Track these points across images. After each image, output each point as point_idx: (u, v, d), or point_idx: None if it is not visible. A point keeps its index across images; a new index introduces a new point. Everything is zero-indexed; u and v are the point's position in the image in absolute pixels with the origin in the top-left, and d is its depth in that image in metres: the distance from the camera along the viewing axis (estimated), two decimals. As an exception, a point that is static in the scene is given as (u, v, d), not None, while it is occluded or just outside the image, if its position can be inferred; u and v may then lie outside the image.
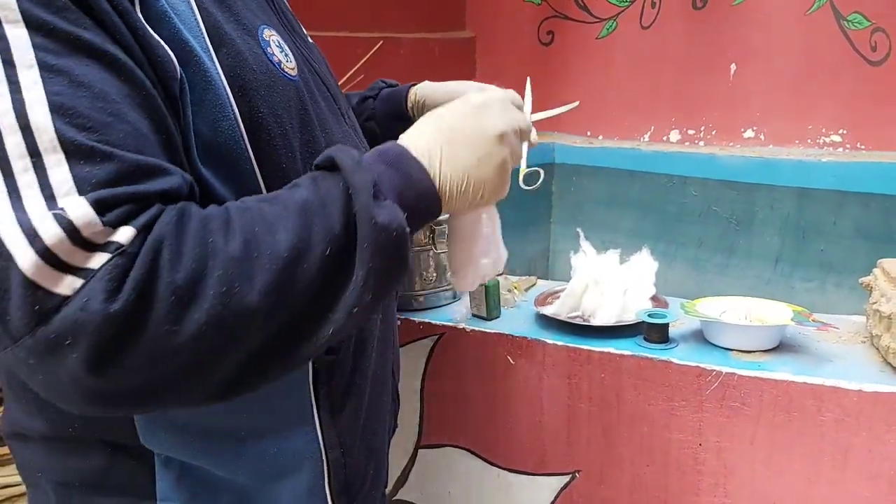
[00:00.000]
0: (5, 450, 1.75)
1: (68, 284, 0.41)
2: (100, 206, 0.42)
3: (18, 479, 1.64)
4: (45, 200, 0.42)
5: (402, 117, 0.90)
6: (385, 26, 2.42)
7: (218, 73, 0.54)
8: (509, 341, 1.15)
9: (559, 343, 1.10)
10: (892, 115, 1.86)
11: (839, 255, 1.94)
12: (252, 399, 0.61)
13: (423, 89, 0.90)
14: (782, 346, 1.03)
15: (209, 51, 0.54)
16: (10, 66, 0.43)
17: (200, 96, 0.53)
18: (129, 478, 0.62)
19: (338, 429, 0.67)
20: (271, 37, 0.61)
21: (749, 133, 2.12)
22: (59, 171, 0.42)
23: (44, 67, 0.43)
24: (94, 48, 0.45)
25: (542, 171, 0.78)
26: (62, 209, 0.42)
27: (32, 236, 0.41)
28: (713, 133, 2.19)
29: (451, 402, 1.23)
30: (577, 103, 0.89)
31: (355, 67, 2.25)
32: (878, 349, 0.98)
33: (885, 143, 1.87)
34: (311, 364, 0.64)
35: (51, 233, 0.41)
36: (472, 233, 0.71)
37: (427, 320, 1.22)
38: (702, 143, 2.20)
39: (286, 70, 0.61)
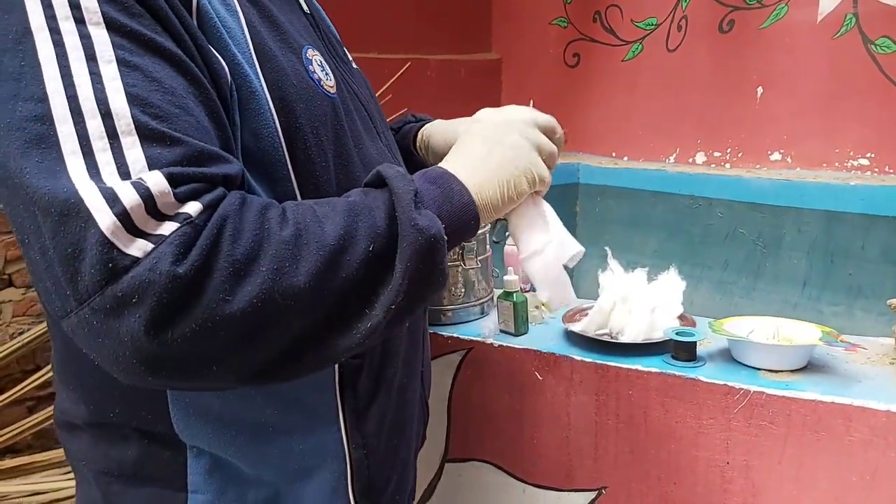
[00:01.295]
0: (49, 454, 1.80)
1: (140, 247, 0.45)
2: (172, 181, 0.47)
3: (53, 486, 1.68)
4: (121, 176, 0.46)
5: (409, 153, 0.93)
6: (413, 48, 2.47)
7: (261, 85, 0.58)
8: (537, 357, 1.16)
9: (587, 359, 1.12)
10: (920, 139, 1.86)
11: (867, 279, 1.92)
12: (282, 395, 0.65)
13: (429, 128, 0.92)
14: (810, 366, 1.04)
15: (254, 65, 0.58)
16: (92, 60, 0.48)
17: (245, 106, 0.57)
18: (163, 469, 0.65)
19: (362, 431, 0.69)
20: (314, 56, 0.66)
21: (776, 156, 2.12)
22: (134, 151, 0.47)
23: (122, 63, 0.48)
24: (165, 50, 0.51)
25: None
26: (141, 178, 0.46)
27: (112, 200, 0.45)
28: (739, 155, 2.19)
29: (478, 417, 1.24)
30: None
31: (384, 87, 2.30)
32: (907, 371, 0.98)
33: (914, 167, 1.87)
34: (337, 366, 0.67)
35: (130, 198, 0.45)
36: (527, 234, 0.71)
37: (455, 335, 1.24)
38: (728, 166, 2.21)
39: (325, 87, 0.65)
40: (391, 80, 2.35)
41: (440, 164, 0.65)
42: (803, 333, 1.06)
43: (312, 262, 0.50)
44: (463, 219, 0.61)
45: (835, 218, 1.97)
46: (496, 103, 2.75)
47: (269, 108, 0.58)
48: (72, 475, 1.73)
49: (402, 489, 0.78)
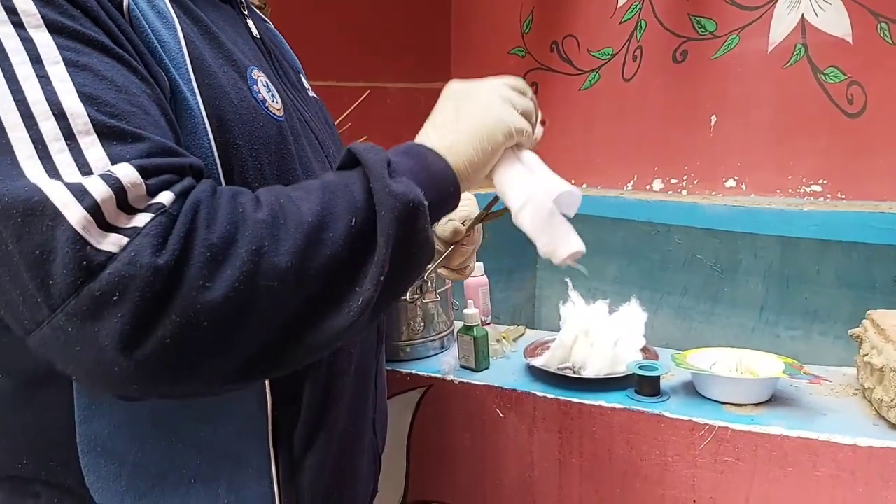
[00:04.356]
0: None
1: (114, 242, 0.42)
2: (143, 172, 0.45)
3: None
4: (83, 174, 0.43)
5: None
6: (372, 76, 2.45)
7: (197, 102, 0.55)
8: (498, 394, 1.13)
9: (549, 396, 1.08)
10: (870, 166, 1.89)
11: (823, 303, 1.94)
12: (208, 442, 0.60)
13: None
14: (774, 399, 1.02)
15: (191, 81, 0.55)
16: (38, 63, 0.45)
17: (178, 121, 0.54)
18: None
19: (296, 484, 0.64)
20: (259, 77, 0.63)
21: (731, 182, 2.15)
22: (95, 150, 0.44)
23: (69, 63, 0.46)
24: (112, 49, 0.49)
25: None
26: (110, 170, 0.44)
27: (81, 194, 0.42)
28: (695, 182, 2.21)
29: (438, 457, 1.20)
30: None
31: (342, 116, 2.27)
32: (870, 402, 0.97)
33: (865, 193, 1.90)
34: (270, 411, 0.62)
35: (100, 190, 0.42)
36: (517, 186, 0.65)
37: (414, 371, 1.20)
38: (684, 192, 2.23)
39: (271, 109, 0.62)
40: (350, 109, 2.32)
41: (422, 133, 0.63)
42: (766, 365, 1.05)
43: (293, 240, 0.48)
44: (442, 184, 0.58)
45: (789, 244, 2.00)
46: (454, 132, 2.67)
47: (205, 127, 0.55)
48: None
49: None
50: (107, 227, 0.42)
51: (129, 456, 0.58)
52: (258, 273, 0.46)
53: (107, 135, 0.45)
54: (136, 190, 0.44)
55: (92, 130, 0.45)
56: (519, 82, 0.69)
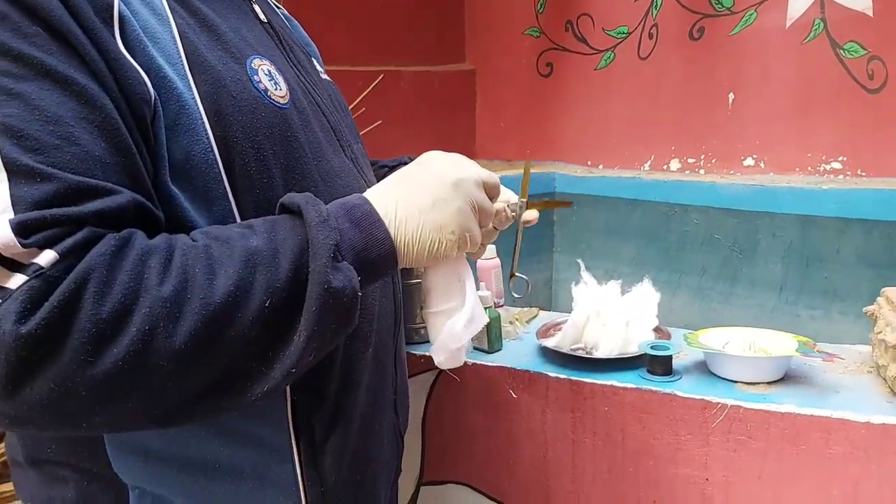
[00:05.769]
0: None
1: None
2: (24, 228, 0.43)
3: None
4: None
5: None
6: (386, 59, 2.45)
7: (194, 98, 0.55)
8: (511, 375, 1.14)
9: (562, 376, 1.09)
10: (891, 142, 1.86)
11: (843, 282, 1.92)
12: (230, 430, 0.61)
13: None
14: (787, 378, 1.02)
15: (186, 77, 0.55)
16: None
17: (174, 120, 0.54)
18: None
19: (318, 467, 0.65)
20: (261, 66, 0.63)
21: (749, 161, 2.12)
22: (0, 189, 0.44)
23: (2, 91, 0.46)
24: (57, 73, 0.48)
25: (528, 281, 0.80)
26: None
27: None
28: (713, 161, 2.19)
29: (453, 438, 1.21)
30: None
31: (357, 100, 2.27)
32: (884, 379, 0.97)
33: (886, 170, 1.87)
34: (289, 397, 0.63)
35: None
36: (442, 291, 0.68)
37: (429, 353, 1.21)
38: (702, 172, 2.21)
39: (273, 98, 0.62)
40: (364, 93, 2.32)
41: (375, 192, 0.60)
42: (779, 344, 1.04)
43: (194, 321, 0.46)
44: (380, 267, 0.57)
45: (809, 222, 1.97)
46: (471, 114, 2.72)
47: (203, 123, 0.55)
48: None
49: None
50: None
51: (153, 444, 0.60)
52: (149, 353, 0.45)
53: (15, 173, 0.45)
54: (9, 249, 0.43)
55: (2, 167, 0.45)
56: (497, 185, 0.67)
